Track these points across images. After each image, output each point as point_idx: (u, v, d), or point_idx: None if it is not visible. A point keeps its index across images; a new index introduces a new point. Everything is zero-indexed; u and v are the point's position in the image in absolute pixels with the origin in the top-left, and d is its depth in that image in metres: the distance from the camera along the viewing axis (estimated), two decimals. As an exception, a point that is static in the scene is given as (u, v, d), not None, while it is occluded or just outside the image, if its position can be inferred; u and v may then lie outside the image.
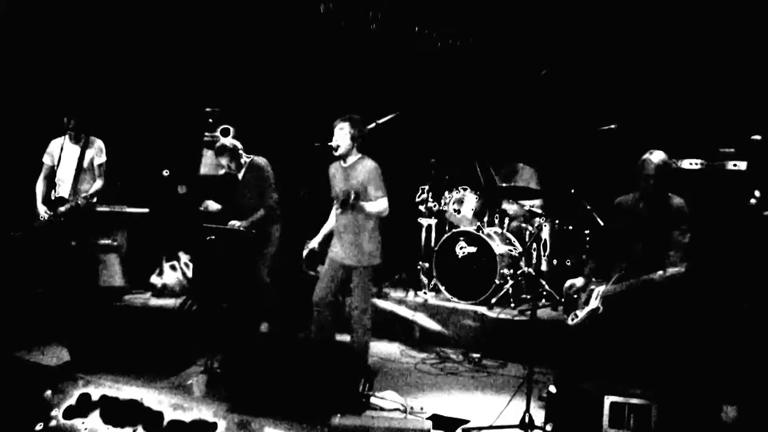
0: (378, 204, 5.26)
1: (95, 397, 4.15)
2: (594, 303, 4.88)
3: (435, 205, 7.70)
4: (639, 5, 7.23)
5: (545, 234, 7.39)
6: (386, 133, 6.32)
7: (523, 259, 7.18)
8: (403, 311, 7.17)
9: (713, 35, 6.90)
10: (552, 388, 4.39)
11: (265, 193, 6.48)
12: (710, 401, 4.29)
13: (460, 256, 7.18)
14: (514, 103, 8.19)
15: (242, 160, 6.60)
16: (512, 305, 6.95)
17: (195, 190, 8.21)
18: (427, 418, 4.73)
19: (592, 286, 4.96)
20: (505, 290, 7.00)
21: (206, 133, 8.20)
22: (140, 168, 8.25)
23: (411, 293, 7.48)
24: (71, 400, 4.15)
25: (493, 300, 6.94)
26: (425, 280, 7.57)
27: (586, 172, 7.09)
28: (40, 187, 6.99)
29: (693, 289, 4.96)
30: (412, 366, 6.22)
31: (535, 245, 7.30)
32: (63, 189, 6.90)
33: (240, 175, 6.62)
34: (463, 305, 7.02)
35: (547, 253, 7.38)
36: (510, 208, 7.71)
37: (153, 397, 4.14)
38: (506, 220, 7.64)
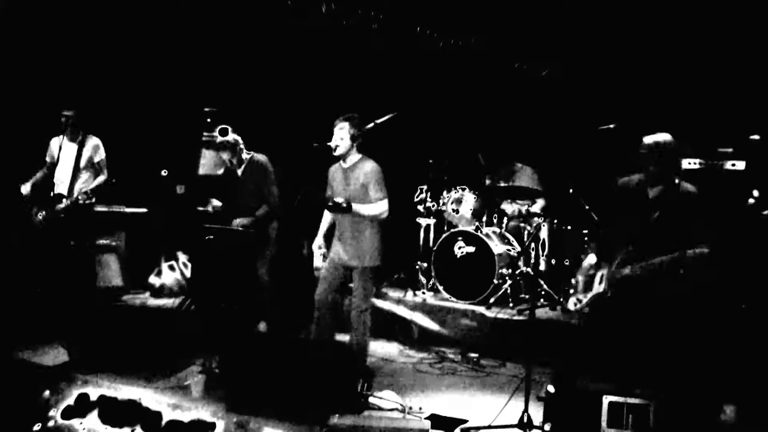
0: (376, 206, 5.25)
1: (93, 397, 4.14)
2: (599, 287, 4.81)
3: (433, 205, 7.71)
4: (639, 5, 7.23)
5: (544, 234, 7.40)
6: (385, 133, 6.31)
7: (521, 258, 7.18)
8: (401, 311, 7.18)
9: (712, 35, 6.91)
10: (550, 388, 4.39)
11: (266, 190, 6.49)
12: (709, 401, 4.29)
13: (458, 256, 7.18)
14: (513, 103, 8.20)
15: (243, 156, 6.61)
16: (511, 305, 6.95)
17: (193, 190, 8.23)
18: (426, 418, 4.73)
19: (598, 270, 4.88)
20: (503, 290, 7.01)
21: (204, 133, 8.20)
22: (139, 168, 8.25)
23: (409, 293, 7.48)
24: (69, 400, 4.14)
25: (492, 300, 6.94)
26: (424, 280, 7.57)
27: (584, 171, 7.10)
28: (37, 174, 7.01)
29: (718, 270, 4.86)
30: (411, 366, 6.22)
31: (533, 245, 7.31)
32: (61, 187, 6.91)
33: (239, 171, 6.62)
34: (461, 305, 7.03)
35: (545, 253, 7.39)
36: (508, 207, 7.72)
37: (151, 397, 4.13)
38: (505, 220, 7.65)
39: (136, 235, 8.14)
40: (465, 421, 4.73)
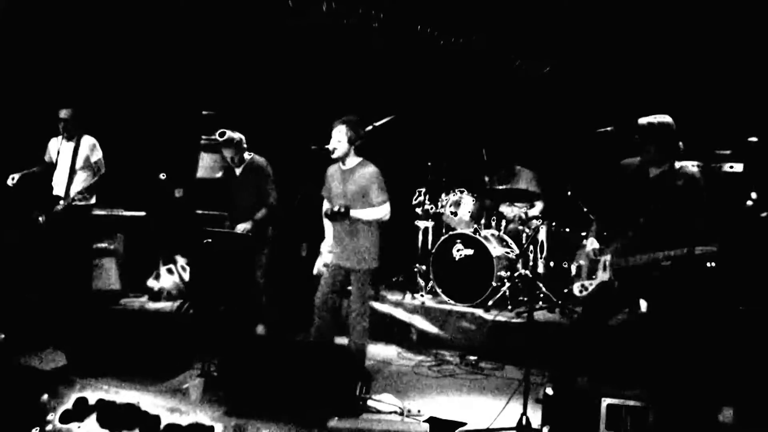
0: (377, 211, 5.24)
1: (92, 400, 4.14)
2: (604, 275, 4.79)
3: (432, 208, 7.71)
4: (637, 8, 7.24)
5: (542, 236, 7.40)
6: (383, 136, 6.31)
7: (520, 261, 7.18)
8: (400, 314, 7.17)
9: (709, 37, 6.92)
10: (549, 390, 4.39)
11: (265, 192, 6.50)
12: (707, 402, 4.29)
13: (457, 259, 7.18)
14: (512, 105, 8.21)
15: (244, 156, 6.63)
16: (509, 307, 6.95)
17: (192, 194, 8.22)
18: (424, 421, 4.73)
19: (602, 257, 4.85)
20: (502, 292, 7.01)
21: (203, 136, 8.20)
22: (137, 171, 8.24)
23: (408, 296, 7.48)
24: (68, 404, 4.14)
25: (490, 302, 6.94)
26: (422, 283, 7.57)
27: (582, 174, 7.10)
28: (31, 168, 7.01)
29: (726, 269, 4.83)
30: (410, 369, 6.22)
31: (532, 247, 7.30)
32: (59, 189, 6.91)
33: (238, 171, 6.64)
34: (460, 307, 7.03)
35: (544, 255, 7.39)
36: (507, 210, 7.72)
37: (150, 401, 4.14)
38: (503, 223, 7.65)
39: (135, 238, 8.13)
40: (464, 424, 4.72)
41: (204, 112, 8.32)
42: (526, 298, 7.13)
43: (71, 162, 6.89)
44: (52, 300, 6.70)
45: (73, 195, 6.82)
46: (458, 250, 7.19)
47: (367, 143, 5.42)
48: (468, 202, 7.48)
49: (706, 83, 6.97)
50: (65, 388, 4.22)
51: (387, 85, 8.17)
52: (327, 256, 5.56)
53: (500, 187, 7.55)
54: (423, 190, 7.77)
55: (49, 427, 4.07)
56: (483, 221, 7.56)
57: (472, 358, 6.37)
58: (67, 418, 4.09)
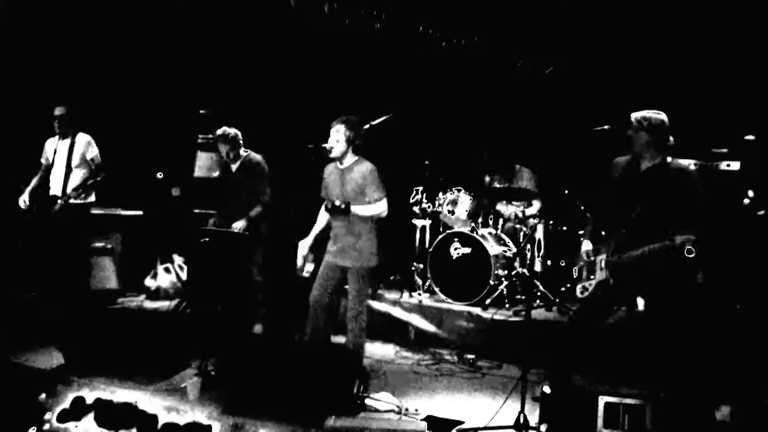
0: (375, 207, 5.24)
1: (89, 400, 4.14)
2: (601, 274, 4.80)
3: (429, 206, 7.71)
4: (635, 7, 7.25)
5: (539, 234, 7.40)
6: (381, 134, 6.32)
7: (517, 259, 7.19)
8: (397, 312, 7.17)
9: (706, 36, 6.92)
10: (546, 389, 4.39)
11: (259, 190, 6.51)
12: (705, 400, 4.30)
13: (454, 257, 7.19)
14: (510, 105, 8.21)
15: (240, 152, 6.63)
16: (507, 306, 6.96)
17: (189, 193, 8.22)
18: (422, 420, 4.73)
19: (597, 254, 4.87)
20: (499, 291, 7.01)
21: (200, 135, 8.20)
22: (134, 170, 8.24)
23: (406, 294, 7.48)
24: (65, 404, 4.13)
25: (488, 301, 6.95)
26: (420, 282, 7.57)
27: (580, 172, 7.11)
28: (34, 180, 7.01)
29: (706, 255, 4.84)
30: (407, 367, 6.22)
31: (529, 246, 7.31)
32: (55, 188, 6.90)
33: (234, 167, 6.64)
34: (457, 306, 7.03)
35: (541, 254, 7.40)
36: (504, 209, 7.72)
37: (147, 400, 4.13)
38: (500, 221, 7.65)
39: (132, 237, 8.13)
40: (461, 423, 4.72)
41: (201, 111, 8.32)
42: (523, 297, 7.15)
43: (67, 160, 6.89)
44: (49, 299, 6.70)
45: (70, 193, 6.81)
46: (456, 249, 7.19)
47: (365, 142, 5.42)
48: (465, 201, 7.48)
49: (704, 82, 6.97)
50: (62, 388, 4.21)
51: (385, 84, 8.17)
52: (301, 252, 5.55)
53: (500, 186, 7.55)
54: (420, 188, 7.78)
55: (46, 427, 4.07)
56: (480, 220, 7.56)
57: (469, 356, 6.38)
58: (64, 417, 4.09)
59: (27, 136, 7.38)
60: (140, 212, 8.23)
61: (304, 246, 5.55)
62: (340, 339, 5.66)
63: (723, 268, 5.87)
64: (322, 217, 5.55)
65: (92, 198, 7.09)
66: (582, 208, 7.10)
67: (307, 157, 5.25)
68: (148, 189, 8.37)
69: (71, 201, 6.85)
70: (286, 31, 8.45)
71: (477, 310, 6.88)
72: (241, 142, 6.63)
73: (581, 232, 7.14)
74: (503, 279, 7.06)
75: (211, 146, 7.75)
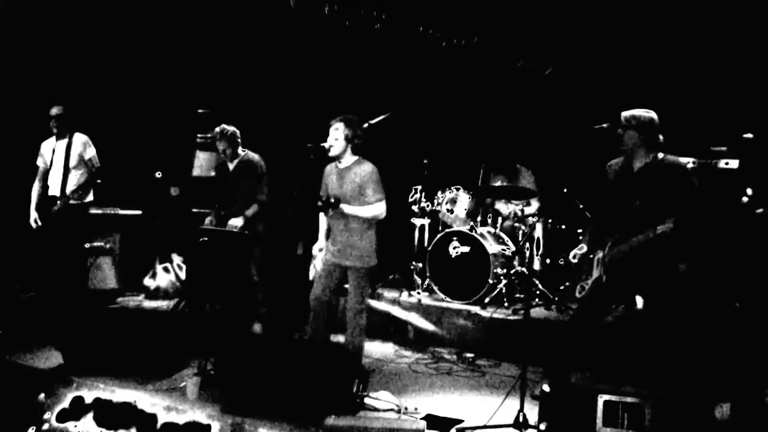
0: (372, 208, 5.23)
1: (88, 399, 4.15)
2: (596, 272, 4.81)
3: (428, 205, 7.71)
4: (633, 7, 7.25)
5: (538, 233, 7.41)
6: (379, 133, 6.32)
7: (516, 258, 7.19)
8: (397, 311, 7.17)
9: (705, 34, 6.92)
10: (546, 387, 4.40)
11: (256, 189, 6.50)
12: (704, 398, 4.30)
13: (453, 256, 7.18)
14: (509, 104, 8.21)
15: (238, 150, 6.63)
16: (506, 305, 6.96)
17: (187, 192, 8.22)
18: (421, 418, 4.73)
19: (595, 254, 4.90)
20: (498, 290, 7.01)
21: (198, 135, 8.20)
22: (133, 170, 8.24)
23: (405, 293, 7.48)
24: (64, 403, 4.14)
25: (487, 299, 6.95)
26: (419, 280, 7.57)
27: (578, 171, 7.11)
28: (35, 191, 7.00)
29: (681, 245, 4.87)
30: (406, 366, 6.22)
31: (528, 244, 7.31)
32: (54, 189, 6.90)
33: (231, 166, 6.64)
34: (456, 305, 7.03)
35: (540, 253, 7.40)
36: (503, 208, 7.72)
37: (146, 400, 4.14)
38: (499, 220, 7.65)
39: (131, 237, 8.13)
40: (460, 421, 4.73)
41: (200, 111, 8.32)
42: (522, 295, 7.14)
43: (65, 161, 6.88)
44: (48, 299, 6.69)
45: (69, 194, 6.81)
46: (454, 248, 7.19)
47: (364, 141, 5.41)
48: (464, 200, 7.47)
49: (703, 80, 6.97)
50: (62, 387, 4.22)
51: (384, 83, 8.17)
52: (319, 260, 5.56)
53: (502, 185, 7.54)
54: (419, 187, 7.77)
55: (45, 426, 4.07)
56: (479, 218, 7.56)
57: (468, 355, 6.38)
58: (63, 417, 4.10)
59: (26, 136, 7.37)
60: (139, 212, 8.23)
61: (317, 250, 5.56)
62: (339, 338, 5.66)
63: (721, 267, 5.87)
64: (323, 218, 5.56)
65: (90, 198, 7.08)
66: (581, 206, 7.10)
67: (307, 156, 5.25)
68: (147, 188, 8.36)
69: (70, 201, 6.84)
70: (286, 30, 8.45)
71: (476, 309, 6.88)
72: (239, 140, 6.63)
73: (580, 231, 7.17)
74: (502, 278, 7.06)
75: (209, 145, 7.76)
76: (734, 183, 6.02)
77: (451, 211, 7.48)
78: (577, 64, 7.74)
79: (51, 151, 6.96)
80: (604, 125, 4.91)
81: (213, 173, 6.95)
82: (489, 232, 7.32)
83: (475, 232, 7.13)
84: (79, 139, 6.99)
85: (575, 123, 7.03)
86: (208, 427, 3.95)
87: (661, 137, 4.66)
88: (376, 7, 8.25)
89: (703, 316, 5.39)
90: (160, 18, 8.33)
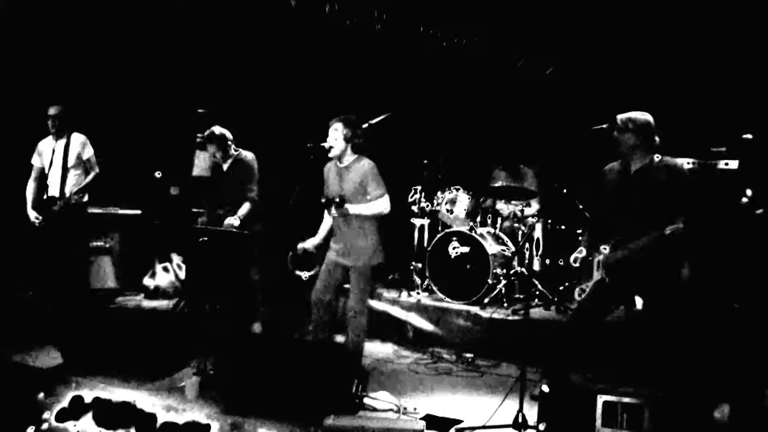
0: (376, 204, 5.23)
1: (88, 399, 4.14)
2: (597, 274, 4.82)
3: (427, 205, 7.71)
4: (632, 7, 7.25)
5: (538, 233, 7.41)
6: (379, 133, 6.32)
7: (515, 258, 7.19)
8: (396, 312, 7.17)
9: (704, 35, 6.92)
10: (545, 388, 4.40)
11: (247, 187, 6.49)
12: (703, 399, 4.30)
13: (452, 256, 7.19)
14: (509, 104, 8.21)
15: (230, 152, 6.62)
16: (505, 305, 6.96)
17: (187, 192, 8.22)
18: (421, 419, 4.73)
19: (595, 257, 4.91)
20: (497, 290, 7.01)
21: (198, 135, 8.20)
22: (132, 170, 8.24)
23: (404, 293, 7.48)
24: (64, 403, 4.13)
25: (486, 300, 6.95)
26: (418, 281, 7.57)
27: (578, 171, 7.11)
28: (30, 190, 6.98)
29: (692, 245, 4.86)
30: (406, 366, 6.22)
31: (527, 245, 7.31)
32: (53, 189, 6.89)
33: (225, 167, 6.63)
34: (456, 305, 7.03)
35: (539, 253, 7.40)
36: (503, 208, 7.72)
37: (146, 399, 4.13)
38: (499, 220, 7.65)
39: (130, 236, 8.13)
40: (460, 422, 4.73)
41: (199, 110, 8.32)
42: (521, 296, 7.15)
43: (63, 160, 6.87)
44: (48, 298, 6.69)
45: (69, 194, 6.81)
46: (454, 248, 7.19)
47: (364, 140, 5.41)
48: (464, 200, 7.47)
49: (702, 81, 6.98)
50: (61, 387, 4.21)
51: (384, 82, 8.17)
52: (309, 244, 5.54)
53: (504, 185, 7.53)
54: (419, 187, 7.77)
55: (44, 426, 4.07)
56: (479, 219, 7.56)
57: (468, 355, 6.38)
58: (62, 416, 4.09)
59: (27, 136, 7.37)
60: (139, 211, 8.23)
61: (310, 244, 5.55)
62: (339, 338, 5.65)
63: (721, 268, 5.87)
64: (328, 218, 5.55)
65: (86, 198, 7.09)
66: (581, 207, 7.10)
67: (306, 156, 5.25)
68: (147, 188, 8.36)
69: (71, 202, 6.84)
70: (287, 30, 8.44)
71: (475, 309, 6.88)
72: (229, 142, 6.60)
73: (579, 232, 7.17)
74: (502, 278, 7.06)
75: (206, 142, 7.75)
76: (734, 184, 6.03)
77: (451, 212, 7.48)
78: (577, 65, 7.74)
79: (50, 151, 6.95)
80: (603, 126, 4.91)
81: (208, 174, 6.94)
82: (488, 233, 7.33)
83: (475, 232, 7.13)
84: (77, 139, 6.99)
85: (576, 123, 7.04)
86: (208, 426, 3.95)
87: (657, 139, 4.67)
88: (376, 6, 8.24)
89: (703, 317, 5.39)
90: (160, 17, 8.33)
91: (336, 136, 5.26)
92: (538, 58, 8.02)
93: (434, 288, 7.26)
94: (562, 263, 7.35)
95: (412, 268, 7.69)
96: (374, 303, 7.16)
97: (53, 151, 6.94)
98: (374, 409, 4.91)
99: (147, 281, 8.14)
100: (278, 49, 8.53)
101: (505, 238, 7.42)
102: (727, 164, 6.22)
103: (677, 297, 4.76)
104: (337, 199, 5.14)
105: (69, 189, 6.85)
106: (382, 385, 5.37)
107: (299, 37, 8.41)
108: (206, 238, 6.19)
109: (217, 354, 5.21)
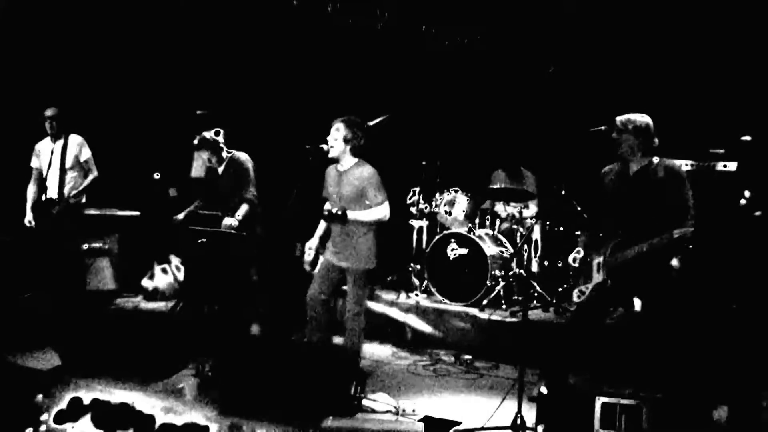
0: (375, 211, 5.21)
1: (86, 400, 4.13)
2: (598, 276, 4.81)
3: (426, 207, 7.71)
4: (633, 9, 7.26)
5: (536, 235, 7.41)
6: (378, 135, 6.32)
7: (514, 260, 7.19)
8: (395, 313, 7.17)
9: (702, 37, 6.94)
10: (543, 389, 4.40)
11: (245, 189, 6.47)
12: (702, 401, 4.30)
13: (451, 258, 7.19)
14: (509, 105, 8.21)
15: (223, 155, 6.60)
16: (504, 307, 6.96)
17: (186, 193, 8.21)
18: (419, 420, 4.72)
19: (593, 258, 4.91)
20: (496, 292, 7.01)
21: (197, 136, 8.19)
22: (131, 171, 8.23)
23: (403, 295, 7.48)
24: (62, 404, 4.13)
25: (485, 301, 6.95)
26: (417, 282, 7.57)
27: (577, 173, 7.11)
28: (30, 192, 6.99)
29: (702, 250, 4.86)
30: (404, 368, 6.22)
31: (526, 246, 7.31)
32: (51, 191, 6.89)
33: (220, 170, 6.62)
34: (454, 307, 7.03)
35: (538, 255, 7.40)
36: (502, 210, 7.72)
37: (144, 401, 4.13)
38: (497, 222, 7.65)
39: (129, 238, 8.12)
40: (458, 423, 4.72)
41: (198, 112, 8.31)
42: (520, 297, 7.14)
43: (60, 162, 6.87)
44: (46, 300, 6.68)
45: (67, 196, 6.81)
46: (453, 250, 7.19)
47: (363, 143, 5.40)
48: (462, 202, 7.48)
49: (701, 83, 6.99)
50: (59, 388, 4.21)
51: (384, 83, 8.17)
52: (308, 252, 5.53)
53: (503, 187, 7.53)
54: (417, 189, 7.77)
55: (43, 428, 4.06)
56: (477, 220, 7.56)
57: (466, 357, 6.38)
58: (61, 418, 4.08)
59: (25, 137, 7.37)
60: (137, 213, 8.22)
61: (308, 247, 5.54)
62: (337, 339, 5.65)
63: (720, 269, 5.88)
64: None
65: (83, 199, 7.09)
66: (579, 208, 7.10)
67: (306, 157, 5.24)
68: (145, 190, 8.36)
69: (69, 203, 6.84)
70: (288, 30, 8.44)
71: (474, 311, 6.89)
72: (221, 145, 6.58)
73: (578, 233, 7.17)
74: (500, 279, 7.06)
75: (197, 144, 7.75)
76: (732, 186, 6.04)
77: (450, 213, 7.48)
78: (575, 66, 7.74)
79: (48, 152, 6.96)
80: (602, 128, 4.91)
81: (203, 175, 6.93)
82: (487, 234, 7.33)
83: (473, 234, 7.13)
84: (75, 140, 6.99)
85: (575, 125, 7.04)
86: (206, 428, 3.95)
87: (656, 141, 4.67)
88: (378, 6, 8.25)
89: (701, 319, 5.39)
90: (159, 18, 8.33)
91: (336, 136, 5.24)
92: (538, 59, 8.03)
93: (433, 289, 7.27)
94: (560, 265, 7.35)
95: (410, 269, 7.69)
96: (373, 304, 7.16)
97: (51, 152, 6.94)
98: (373, 411, 4.91)
99: (146, 283, 8.13)
100: (279, 49, 8.52)
101: (504, 240, 7.42)
102: (725, 166, 6.24)
103: (675, 298, 4.75)
104: (339, 212, 5.13)
105: (67, 190, 6.85)
106: (381, 387, 5.37)
107: (301, 37, 8.41)
108: (205, 240, 6.18)
109: (215, 355, 5.21)
